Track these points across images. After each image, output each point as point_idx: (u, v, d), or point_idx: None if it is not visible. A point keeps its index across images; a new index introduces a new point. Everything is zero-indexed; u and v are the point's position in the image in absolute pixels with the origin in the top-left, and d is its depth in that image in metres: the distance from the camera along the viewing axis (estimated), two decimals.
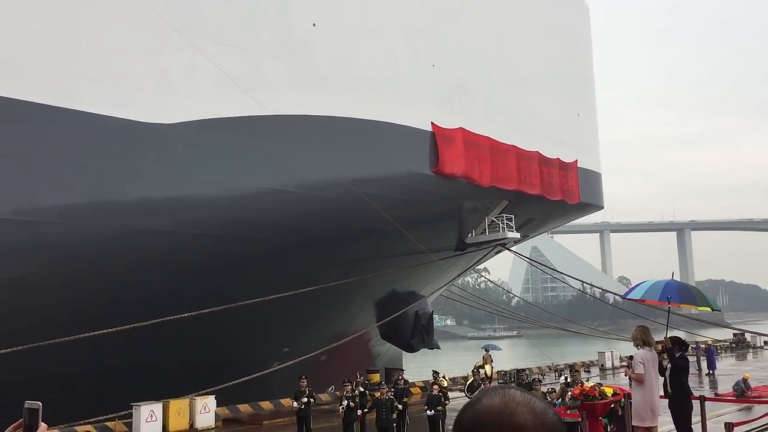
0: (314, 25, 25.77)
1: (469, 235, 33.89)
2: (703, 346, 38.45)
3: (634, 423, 10.77)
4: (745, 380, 26.39)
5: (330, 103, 25.57)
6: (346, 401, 17.23)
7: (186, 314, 21.78)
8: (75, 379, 21.57)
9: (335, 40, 26.54)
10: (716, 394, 26.82)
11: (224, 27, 23.27)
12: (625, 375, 11.32)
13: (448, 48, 30.96)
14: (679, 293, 11.59)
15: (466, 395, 20.32)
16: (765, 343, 53.48)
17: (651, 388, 10.64)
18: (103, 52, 20.78)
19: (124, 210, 21.08)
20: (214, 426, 21.68)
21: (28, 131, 19.40)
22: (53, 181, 19.91)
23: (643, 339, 10.88)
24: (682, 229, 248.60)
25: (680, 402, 10.92)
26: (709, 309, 12.16)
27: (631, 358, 11.08)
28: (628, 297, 12.66)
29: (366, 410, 17.71)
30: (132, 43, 21.33)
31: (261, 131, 23.39)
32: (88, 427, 20.06)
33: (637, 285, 12.67)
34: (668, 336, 11.29)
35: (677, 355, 11.04)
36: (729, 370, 36.09)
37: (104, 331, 20.36)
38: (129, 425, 20.43)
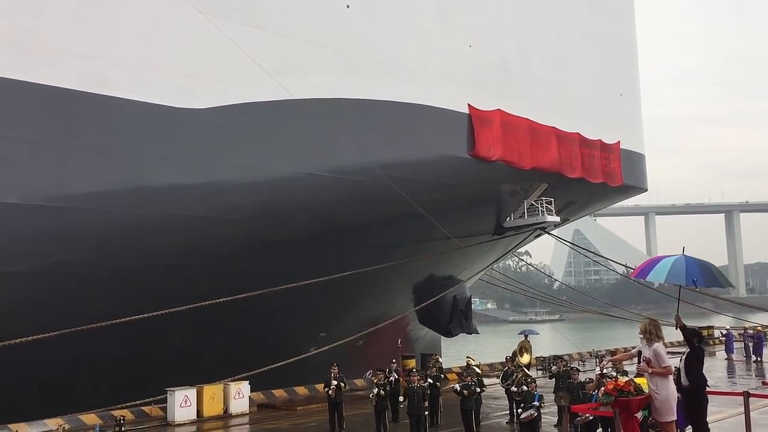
0: (348, 6, 25.39)
1: (508, 218, 33.33)
2: (751, 331, 37.22)
3: (661, 419, 10.18)
4: None
5: (363, 85, 25.20)
6: (377, 389, 17.01)
7: (220, 300, 21.79)
8: (111, 363, 21.75)
9: (367, 21, 26.10)
10: (763, 383, 25.97)
11: (254, 9, 23.01)
12: (646, 371, 10.43)
13: (484, 27, 30.26)
14: (702, 275, 10.66)
15: (501, 385, 19.83)
16: None
17: (672, 383, 10.22)
18: (132, 37, 20.70)
19: (156, 196, 21.07)
20: (248, 411, 21.63)
21: (60, 117, 19.44)
22: (86, 168, 19.95)
23: (657, 333, 10.36)
24: (730, 211, 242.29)
25: (696, 394, 10.40)
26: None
27: (646, 356, 10.33)
28: (647, 278, 11.55)
29: (402, 400, 17.46)
30: (161, 28, 21.21)
31: (293, 115, 23.13)
32: (125, 411, 20.18)
33: (650, 264, 11.41)
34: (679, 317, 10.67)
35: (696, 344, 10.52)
36: None
37: (140, 316, 20.47)
38: (164, 410, 20.51)
